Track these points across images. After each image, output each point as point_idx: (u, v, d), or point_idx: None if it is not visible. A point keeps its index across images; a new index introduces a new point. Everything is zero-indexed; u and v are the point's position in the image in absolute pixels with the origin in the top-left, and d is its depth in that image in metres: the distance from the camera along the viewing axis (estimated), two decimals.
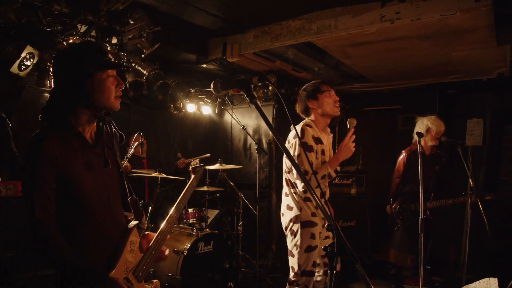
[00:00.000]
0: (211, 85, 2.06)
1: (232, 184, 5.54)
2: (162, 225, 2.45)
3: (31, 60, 3.88)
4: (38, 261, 3.88)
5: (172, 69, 5.55)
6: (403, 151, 5.26)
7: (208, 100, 6.61)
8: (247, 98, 1.81)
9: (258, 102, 1.74)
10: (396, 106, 6.95)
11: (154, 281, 2.36)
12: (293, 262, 3.40)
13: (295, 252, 3.37)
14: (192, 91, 6.27)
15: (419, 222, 3.61)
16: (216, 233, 4.79)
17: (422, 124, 5.09)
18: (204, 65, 5.30)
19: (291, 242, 3.41)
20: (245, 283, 5.59)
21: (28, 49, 3.79)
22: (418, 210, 3.69)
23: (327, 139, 3.57)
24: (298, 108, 3.61)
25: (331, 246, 1.60)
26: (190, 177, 2.92)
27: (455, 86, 6.38)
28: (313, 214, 3.34)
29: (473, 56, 4.96)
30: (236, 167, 6.05)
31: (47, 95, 4.48)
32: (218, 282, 4.77)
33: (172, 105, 6.25)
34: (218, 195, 5.69)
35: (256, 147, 5.86)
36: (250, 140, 6.82)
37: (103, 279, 1.94)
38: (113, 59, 2.03)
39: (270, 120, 6.13)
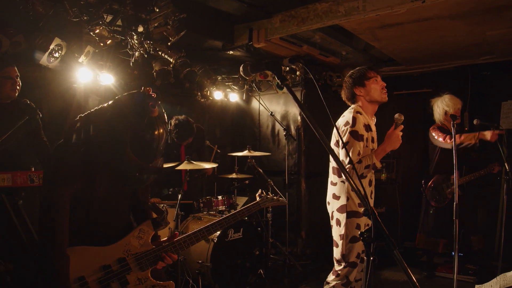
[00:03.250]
0: (241, 68, 2.02)
1: (261, 171, 5.51)
2: (183, 236, 2.46)
3: (60, 52, 3.91)
4: None
5: (199, 57, 5.54)
6: (436, 130, 5.07)
7: (235, 87, 6.59)
8: (278, 81, 1.77)
9: (289, 84, 1.69)
10: (426, 90, 6.78)
11: (170, 282, 2.36)
12: (337, 252, 3.35)
13: (339, 242, 3.31)
14: (219, 78, 6.25)
15: (454, 208, 3.52)
16: (245, 220, 4.78)
17: (438, 108, 4.96)
18: (231, 52, 5.26)
19: (336, 232, 3.35)
20: (274, 270, 5.59)
21: (57, 41, 3.80)
22: (451, 191, 3.59)
23: (374, 125, 3.50)
24: (344, 95, 3.53)
25: (368, 231, 1.55)
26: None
27: (489, 68, 6.18)
28: (360, 205, 3.27)
29: (509, 34, 4.77)
30: (264, 154, 6.02)
31: (76, 86, 4.53)
32: (248, 269, 4.78)
33: (199, 93, 6.25)
34: (247, 182, 5.69)
35: (284, 133, 5.82)
36: (278, 126, 6.77)
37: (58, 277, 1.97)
38: None
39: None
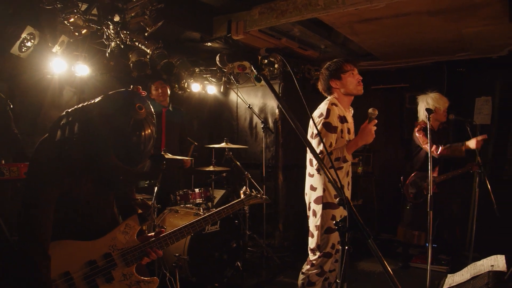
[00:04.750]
0: (217, 58, 2.02)
1: (238, 164, 5.50)
2: (169, 232, 2.43)
3: (32, 41, 3.80)
4: None
5: (176, 48, 5.48)
6: (415, 127, 5.15)
7: (213, 79, 6.54)
8: (255, 71, 1.75)
9: (266, 74, 1.68)
10: (403, 85, 6.86)
11: (154, 278, 2.33)
12: (312, 242, 3.38)
13: (315, 232, 3.34)
14: (197, 70, 6.20)
15: (428, 200, 3.58)
16: None
17: (427, 105, 5.02)
18: (209, 44, 5.22)
19: (312, 223, 3.38)
20: (252, 262, 5.61)
21: (29, 29, 3.69)
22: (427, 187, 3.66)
23: (351, 117, 3.53)
24: (320, 87, 3.55)
25: (343, 221, 1.56)
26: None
27: (464, 64, 6.28)
28: (336, 196, 3.30)
29: (484, 32, 4.85)
30: (242, 146, 6.03)
31: (49, 77, 4.43)
32: (226, 261, 4.78)
33: (176, 85, 6.19)
34: (224, 174, 5.68)
35: (262, 126, 5.81)
36: (256, 119, 6.77)
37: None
38: None
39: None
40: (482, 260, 3.55)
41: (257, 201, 3.10)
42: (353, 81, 3.37)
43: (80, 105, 2.09)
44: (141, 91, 2.09)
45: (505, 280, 3.27)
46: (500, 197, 4.64)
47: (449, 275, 3.62)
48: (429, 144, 3.71)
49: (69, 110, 2.07)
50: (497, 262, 3.38)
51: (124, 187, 2.34)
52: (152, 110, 2.14)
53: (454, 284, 3.37)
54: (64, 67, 4.17)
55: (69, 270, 2.03)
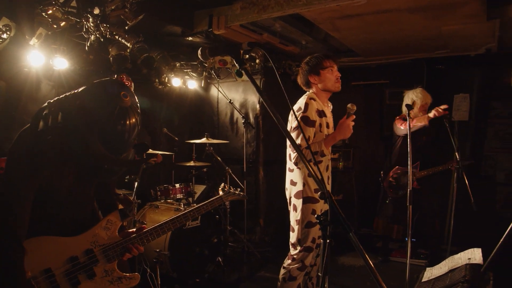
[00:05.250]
0: (199, 52, 2.01)
1: (219, 159, 5.49)
2: (150, 228, 2.42)
3: (8, 33, 3.70)
4: None
5: (157, 42, 5.42)
6: (399, 119, 5.22)
7: (194, 74, 6.50)
8: (237, 65, 1.75)
9: (248, 69, 1.68)
10: (383, 81, 6.92)
11: (135, 273, 2.32)
12: (293, 237, 3.40)
13: (295, 227, 3.36)
14: (177, 65, 6.15)
15: (408, 194, 3.63)
16: None
17: (408, 98, 5.11)
18: (190, 38, 5.17)
19: (293, 217, 3.41)
20: (233, 257, 5.61)
21: (4, 21, 3.58)
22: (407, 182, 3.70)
23: (330, 111, 3.56)
24: (299, 81, 3.58)
25: (324, 214, 1.57)
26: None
27: (443, 61, 6.37)
28: (316, 191, 3.31)
29: (463, 30, 4.91)
30: (222, 142, 6.01)
31: (27, 70, 4.34)
32: (207, 257, 4.78)
33: (157, 80, 6.12)
34: (205, 170, 5.66)
35: (243, 121, 5.81)
36: (236, 114, 6.76)
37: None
38: None
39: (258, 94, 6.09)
40: (459, 254, 3.61)
41: (235, 198, 3.14)
42: (331, 77, 3.39)
43: (62, 96, 2.07)
44: (125, 80, 2.09)
45: (482, 272, 3.34)
46: (477, 192, 4.73)
47: (427, 269, 3.67)
48: (408, 138, 3.74)
49: (51, 101, 2.06)
50: (474, 255, 3.45)
51: (108, 176, 2.31)
52: (137, 99, 2.14)
53: (433, 277, 3.42)
54: (42, 60, 4.08)
55: (51, 267, 2.00)
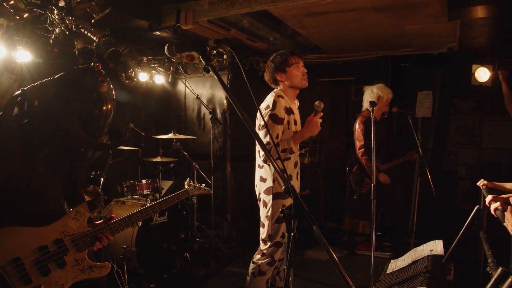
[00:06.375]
0: (166, 48, 1.99)
1: (186, 154, 5.48)
2: (119, 218, 2.45)
3: None
4: None
5: (124, 37, 5.34)
6: (357, 121, 5.33)
7: (161, 69, 6.44)
8: (203, 61, 1.76)
9: (215, 65, 1.69)
10: (349, 78, 7.04)
11: (106, 263, 2.34)
12: (263, 232, 3.42)
13: (266, 222, 3.38)
14: (144, 59, 6.08)
15: (371, 189, 3.71)
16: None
17: (372, 93, 5.18)
18: (157, 33, 5.13)
19: (263, 213, 3.42)
20: (201, 253, 5.62)
21: None
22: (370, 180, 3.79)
23: (297, 108, 3.58)
24: (266, 78, 3.58)
25: (288, 208, 1.61)
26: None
27: (407, 59, 6.51)
28: None
29: (425, 30, 5.05)
30: (190, 137, 5.99)
31: None
32: (174, 252, 4.77)
33: (123, 74, 6.03)
34: (172, 165, 5.63)
35: (210, 117, 5.81)
36: (204, 110, 6.74)
37: None
38: None
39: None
40: (422, 246, 3.74)
41: (201, 192, 3.20)
42: (298, 74, 3.42)
43: (38, 83, 2.11)
44: (100, 69, 2.13)
45: (443, 263, 3.47)
46: (439, 187, 4.88)
47: (392, 261, 3.78)
48: (372, 135, 3.82)
49: (25, 88, 2.08)
50: (436, 246, 3.57)
51: (81, 160, 2.31)
52: (112, 86, 2.22)
53: (397, 268, 3.53)
54: (3, 52, 3.98)
55: (20, 256, 1.99)
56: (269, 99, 3.36)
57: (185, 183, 3.14)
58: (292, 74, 3.41)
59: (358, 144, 5.23)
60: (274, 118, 3.24)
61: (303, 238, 3.44)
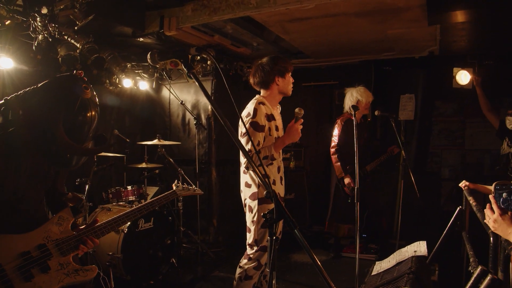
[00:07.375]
0: (148, 56, 2.01)
1: (171, 160, 5.48)
2: (103, 222, 2.46)
3: None
4: None
5: (107, 43, 5.34)
6: (337, 121, 5.39)
7: (145, 75, 6.43)
8: (185, 69, 1.78)
9: (196, 73, 1.72)
10: (333, 82, 7.11)
11: (93, 266, 2.33)
12: (249, 237, 3.45)
13: (252, 227, 3.41)
14: (128, 65, 6.07)
15: (355, 192, 3.74)
16: (156, 210, 4.73)
17: (352, 97, 5.25)
18: (141, 39, 5.13)
19: (249, 218, 3.45)
20: (187, 258, 5.61)
21: None
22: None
23: (278, 113, 3.61)
24: (255, 79, 3.54)
25: (270, 212, 1.64)
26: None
27: (390, 63, 6.60)
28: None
29: (407, 34, 5.13)
30: (175, 143, 5.99)
31: None
32: (160, 258, 4.76)
33: (107, 81, 6.02)
34: (157, 171, 5.62)
35: (195, 122, 5.81)
36: (188, 115, 6.74)
37: None
38: None
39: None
40: (406, 247, 3.79)
41: (189, 193, 3.21)
42: (290, 81, 3.50)
43: (21, 92, 2.13)
44: (82, 76, 2.19)
45: (427, 264, 3.52)
46: (423, 188, 4.95)
47: (377, 262, 3.82)
48: (355, 138, 3.86)
49: (8, 98, 2.10)
50: (420, 247, 3.62)
51: (68, 166, 2.31)
52: (95, 93, 2.24)
53: (382, 270, 3.57)
54: None
55: (1, 262, 1.97)
56: (250, 107, 3.38)
57: (173, 184, 3.16)
58: (288, 81, 3.48)
59: (332, 143, 5.33)
60: (255, 126, 3.27)
61: (289, 242, 3.46)
